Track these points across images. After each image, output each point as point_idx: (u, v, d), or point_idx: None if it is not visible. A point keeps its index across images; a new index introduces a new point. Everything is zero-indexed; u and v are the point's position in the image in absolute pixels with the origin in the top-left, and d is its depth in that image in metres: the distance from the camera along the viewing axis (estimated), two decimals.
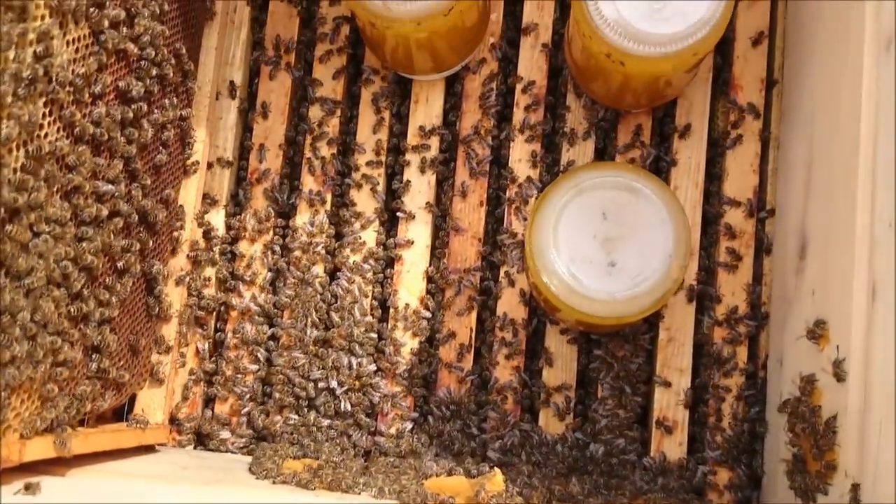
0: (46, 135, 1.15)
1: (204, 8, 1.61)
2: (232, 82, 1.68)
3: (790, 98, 1.59)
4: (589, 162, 1.61)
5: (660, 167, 1.63)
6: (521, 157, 1.64)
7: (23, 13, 1.08)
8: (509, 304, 1.59)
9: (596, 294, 1.36)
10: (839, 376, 1.24)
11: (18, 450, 1.15)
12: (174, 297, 1.59)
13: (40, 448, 1.20)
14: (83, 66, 1.22)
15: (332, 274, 1.65)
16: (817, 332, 1.33)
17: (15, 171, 1.09)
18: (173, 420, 1.60)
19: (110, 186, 1.28)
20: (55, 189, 1.19)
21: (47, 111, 1.15)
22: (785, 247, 1.52)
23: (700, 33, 1.37)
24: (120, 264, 1.35)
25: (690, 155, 1.61)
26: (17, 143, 1.10)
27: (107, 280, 1.33)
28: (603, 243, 1.37)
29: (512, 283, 1.60)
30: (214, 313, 1.64)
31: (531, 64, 1.66)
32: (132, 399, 1.54)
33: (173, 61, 1.46)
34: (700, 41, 1.38)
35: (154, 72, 1.39)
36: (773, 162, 1.61)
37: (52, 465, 1.24)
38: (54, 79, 1.15)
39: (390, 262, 1.64)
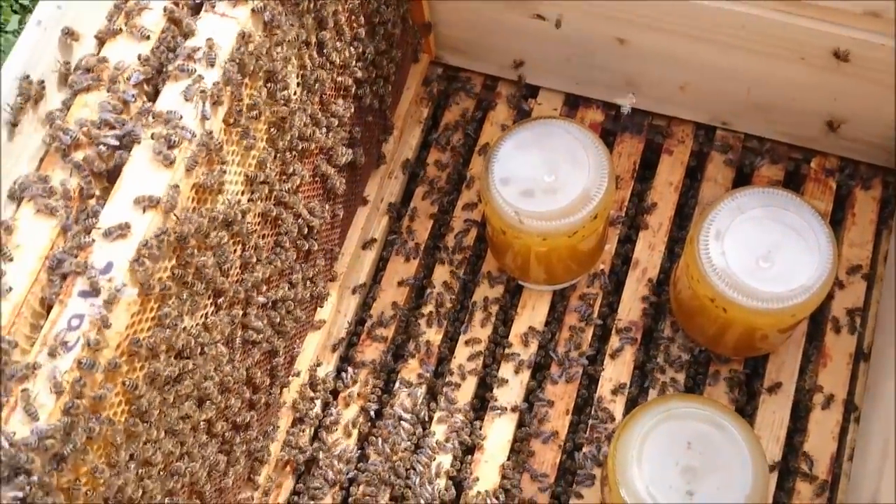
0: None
1: (358, 199, 1.87)
2: (373, 239, 1.88)
3: (876, 377, 1.67)
4: (681, 392, 1.70)
5: (744, 413, 1.71)
6: (611, 377, 1.74)
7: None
8: None
9: None
10: None
11: None
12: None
13: None
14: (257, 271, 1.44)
15: (415, 448, 1.72)
16: None
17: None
18: None
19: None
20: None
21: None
22: None
23: (800, 297, 1.50)
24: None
25: (775, 410, 1.68)
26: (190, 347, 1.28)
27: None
28: (683, 472, 1.43)
29: (581, 495, 1.65)
30: (303, 465, 1.71)
31: (634, 294, 1.80)
32: None
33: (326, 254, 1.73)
34: (799, 305, 1.50)
35: (308, 269, 1.64)
36: (852, 433, 1.67)
37: None
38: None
39: (471, 449, 1.72)
